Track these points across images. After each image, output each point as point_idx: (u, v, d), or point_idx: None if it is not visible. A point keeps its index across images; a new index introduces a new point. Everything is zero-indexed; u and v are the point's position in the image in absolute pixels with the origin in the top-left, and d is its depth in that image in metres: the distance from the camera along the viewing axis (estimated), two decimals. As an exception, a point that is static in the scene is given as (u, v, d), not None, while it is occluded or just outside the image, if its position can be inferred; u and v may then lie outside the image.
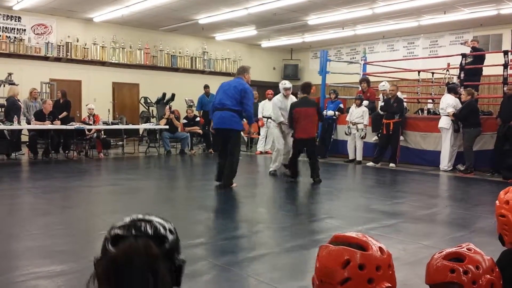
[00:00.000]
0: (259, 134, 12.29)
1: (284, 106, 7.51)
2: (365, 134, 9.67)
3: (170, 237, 1.04)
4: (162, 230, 1.03)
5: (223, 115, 6.17)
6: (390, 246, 3.50)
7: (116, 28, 14.05)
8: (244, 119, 6.68)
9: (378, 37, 15.22)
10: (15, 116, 9.19)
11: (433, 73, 11.49)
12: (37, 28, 12.87)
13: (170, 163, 10.15)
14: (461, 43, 11.83)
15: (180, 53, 15.55)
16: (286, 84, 7.75)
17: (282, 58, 18.41)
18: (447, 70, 10.85)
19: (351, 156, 9.93)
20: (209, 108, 7.57)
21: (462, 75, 9.55)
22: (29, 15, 12.60)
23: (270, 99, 12.10)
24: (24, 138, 9.96)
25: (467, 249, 1.29)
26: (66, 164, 9.14)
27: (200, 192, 6.10)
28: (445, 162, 8.62)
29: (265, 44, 17.10)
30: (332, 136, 10.74)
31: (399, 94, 9.65)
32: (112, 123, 11.03)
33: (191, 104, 13.24)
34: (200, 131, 11.84)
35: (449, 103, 8.56)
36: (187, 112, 12.15)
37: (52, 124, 9.48)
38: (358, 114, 9.80)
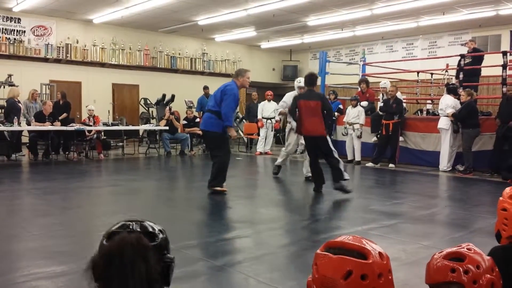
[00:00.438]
0: (258, 135, 12.30)
1: None
2: (361, 133, 9.69)
3: (160, 235, 1.15)
4: (152, 229, 1.15)
5: (204, 117, 6.34)
6: (389, 246, 3.54)
7: (116, 29, 14.06)
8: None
9: (377, 38, 15.23)
10: (15, 117, 9.22)
11: (432, 74, 11.52)
12: (37, 29, 12.87)
13: (170, 164, 10.15)
14: (462, 44, 11.85)
15: (179, 54, 15.55)
16: (301, 82, 7.66)
17: (281, 59, 18.42)
18: (446, 71, 10.88)
19: (350, 157, 9.95)
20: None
21: (460, 75, 9.57)
22: (29, 17, 12.59)
23: (269, 100, 12.15)
24: (25, 139, 9.97)
25: (467, 249, 1.29)
26: (66, 165, 9.15)
27: (200, 193, 6.10)
28: (444, 163, 8.63)
29: (264, 45, 17.12)
30: (332, 137, 10.74)
31: (398, 94, 9.66)
32: (112, 124, 11.03)
33: (191, 105, 13.25)
34: (200, 132, 11.79)
35: (448, 103, 8.57)
36: (186, 113, 12.16)
37: (52, 125, 9.49)
38: (354, 114, 9.86)
